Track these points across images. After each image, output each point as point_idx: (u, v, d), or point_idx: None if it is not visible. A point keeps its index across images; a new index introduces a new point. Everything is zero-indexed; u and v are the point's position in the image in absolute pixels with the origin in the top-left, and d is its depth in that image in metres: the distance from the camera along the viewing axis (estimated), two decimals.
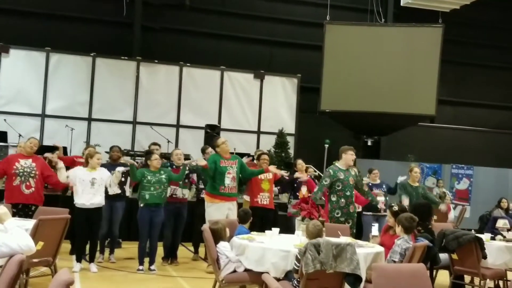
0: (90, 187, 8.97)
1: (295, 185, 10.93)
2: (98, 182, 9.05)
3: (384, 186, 11.55)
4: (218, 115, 18.53)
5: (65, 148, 14.37)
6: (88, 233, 9.12)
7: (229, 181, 9.39)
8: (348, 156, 9.00)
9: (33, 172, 9.20)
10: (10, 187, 9.12)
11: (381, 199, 11.15)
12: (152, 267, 9.37)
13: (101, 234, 9.86)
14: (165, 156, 12.12)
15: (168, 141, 15.92)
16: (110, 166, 10.01)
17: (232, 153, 10.14)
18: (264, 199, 10.05)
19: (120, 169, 9.27)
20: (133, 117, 17.82)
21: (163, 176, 9.42)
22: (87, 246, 9.41)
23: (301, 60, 21.00)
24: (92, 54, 17.59)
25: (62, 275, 3.45)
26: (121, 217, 10.39)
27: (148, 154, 10.40)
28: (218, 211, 9.23)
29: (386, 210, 9.95)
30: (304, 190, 10.80)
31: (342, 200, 8.87)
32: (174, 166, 10.18)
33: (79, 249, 9.28)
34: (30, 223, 7.17)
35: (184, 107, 18.30)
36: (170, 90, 18.26)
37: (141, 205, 9.33)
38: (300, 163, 11.12)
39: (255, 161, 11.53)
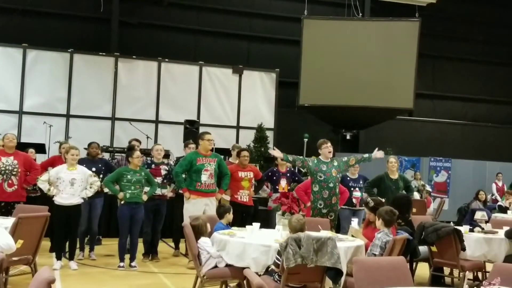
0: (70, 188, 8.93)
1: (274, 178, 10.99)
2: (77, 183, 9.00)
3: (361, 182, 11.39)
4: (197, 111, 18.48)
5: (43, 146, 14.32)
6: (67, 230, 9.08)
7: (206, 178, 9.42)
8: (324, 150, 9.02)
9: (15, 169, 9.18)
10: None
11: (357, 194, 11.13)
12: (133, 264, 9.36)
13: (80, 231, 9.83)
14: (145, 152, 12.09)
15: (148, 137, 15.85)
16: (89, 162, 9.99)
17: (212, 150, 10.15)
18: (243, 196, 10.16)
19: (90, 193, 9.23)
20: (112, 113, 17.72)
21: (142, 177, 9.45)
22: (67, 244, 9.37)
23: (280, 54, 21.06)
24: (69, 50, 17.45)
25: (43, 273, 3.44)
26: (100, 213, 10.35)
27: (130, 150, 10.35)
28: (195, 207, 9.27)
29: (362, 206, 10.01)
30: (283, 183, 10.87)
31: (325, 191, 8.89)
32: (153, 165, 10.18)
33: (58, 246, 9.22)
34: (9, 221, 7.14)
35: (163, 102, 18.23)
36: (148, 85, 18.17)
37: (122, 202, 9.33)
38: None
39: (229, 159, 11.58)
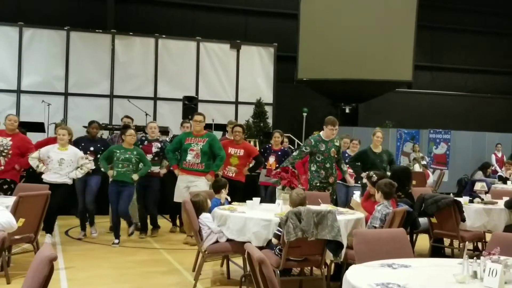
0: (58, 166, 8.96)
1: (265, 154, 11.06)
2: (65, 163, 9.01)
3: None
4: (196, 87, 18.42)
5: (42, 124, 14.31)
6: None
7: (191, 157, 9.60)
8: (327, 131, 8.97)
9: (5, 151, 9.17)
10: None
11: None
12: (116, 241, 9.38)
13: (79, 209, 9.95)
14: (140, 129, 12.11)
15: (146, 114, 15.82)
16: (88, 141, 9.98)
17: (209, 129, 10.22)
18: (230, 171, 10.28)
19: (79, 174, 9.22)
20: (110, 90, 17.66)
21: (134, 156, 9.41)
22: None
23: (277, 29, 20.96)
24: (66, 28, 17.35)
25: (45, 251, 3.44)
26: (95, 191, 10.04)
27: (124, 128, 10.32)
28: (180, 182, 9.66)
29: (359, 182, 9.98)
30: (271, 160, 10.94)
31: (322, 171, 8.91)
32: (146, 142, 10.18)
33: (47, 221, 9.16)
34: (9, 200, 7.16)
35: (161, 79, 18.17)
36: (146, 62, 18.10)
37: (110, 179, 9.39)
38: (277, 136, 11.15)
39: (226, 135, 11.61)
